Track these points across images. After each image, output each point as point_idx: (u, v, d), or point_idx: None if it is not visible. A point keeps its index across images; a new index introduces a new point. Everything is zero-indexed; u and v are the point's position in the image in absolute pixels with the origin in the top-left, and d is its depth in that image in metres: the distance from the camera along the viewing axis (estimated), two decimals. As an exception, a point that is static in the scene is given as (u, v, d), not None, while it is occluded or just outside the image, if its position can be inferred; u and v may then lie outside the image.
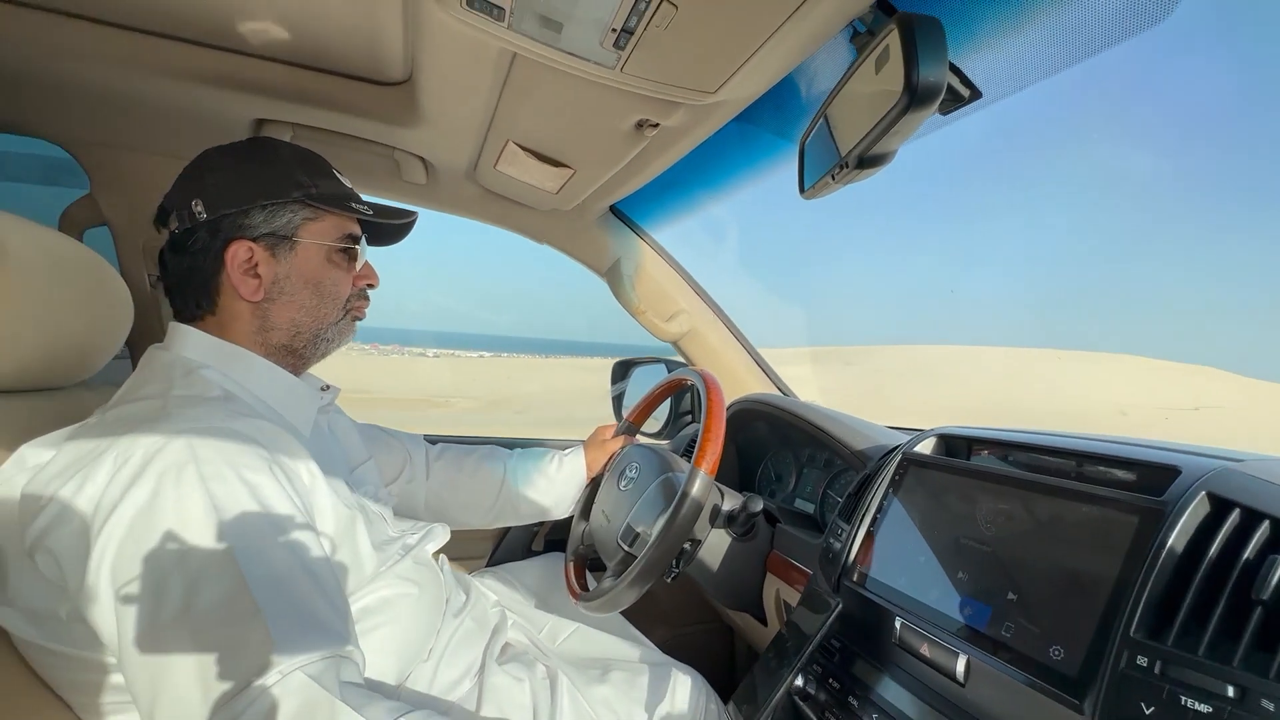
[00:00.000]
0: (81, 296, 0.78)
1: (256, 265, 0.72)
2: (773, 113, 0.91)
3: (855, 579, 0.76)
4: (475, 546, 1.39)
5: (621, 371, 1.59)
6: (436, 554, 0.94)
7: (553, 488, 1.13)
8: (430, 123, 0.96)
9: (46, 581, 0.56)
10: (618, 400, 1.56)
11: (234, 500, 0.57)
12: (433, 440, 1.17)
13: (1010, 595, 0.59)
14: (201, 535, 0.54)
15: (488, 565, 1.38)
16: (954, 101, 0.56)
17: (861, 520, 0.80)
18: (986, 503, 0.67)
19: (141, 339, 0.99)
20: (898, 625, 0.68)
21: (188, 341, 0.72)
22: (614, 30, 0.59)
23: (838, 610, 0.73)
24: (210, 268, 0.72)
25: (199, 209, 0.71)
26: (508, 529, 1.42)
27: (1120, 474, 0.60)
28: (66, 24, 0.81)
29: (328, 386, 0.87)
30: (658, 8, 0.54)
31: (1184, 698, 0.43)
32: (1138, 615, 0.48)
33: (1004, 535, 0.64)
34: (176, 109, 0.97)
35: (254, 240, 0.72)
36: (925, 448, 0.81)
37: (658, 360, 1.57)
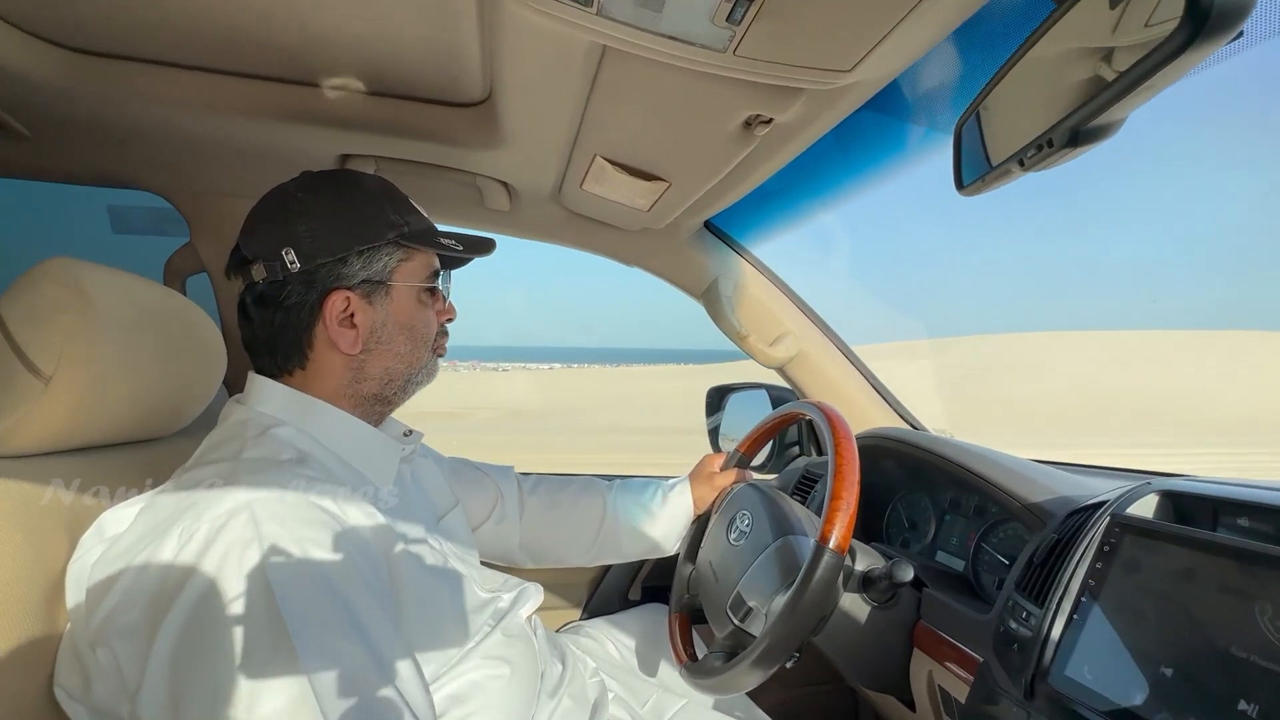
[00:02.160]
0: (172, 345, 0.75)
1: (353, 315, 0.67)
2: (904, 96, 0.76)
3: (1061, 687, 0.58)
4: (566, 597, 1.29)
5: (717, 399, 1.45)
6: (530, 617, 0.85)
7: (657, 524, 1.02)
8: (512, 142, 0.88)
9: (108, 676, 0.51)
10: (714, 432, 1.43)
11: (299, 586, 0.50)
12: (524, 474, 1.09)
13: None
14: (264, 629, 0.48)
15: (582, 618, 1.27)
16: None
17: (1059, 603, 0.62)
18: (1273, 599, 0.48)
19: (239, 382, 0.98)
20: (1142, 767, 0.49)
21: (264, 395, 0.68)
22: (728, 0, 0.47)
23: (1045, 734, 0.55)
24: (305, 321, 0.66)
25: (290, 258, 0.65)
26: (605, 573, 1.31)
27: None
28: (155, 72, 0.80)
29: (410, 432, 0.80)
30: (791, -42, 0.42)
31: None
32: None
33: (1312, 651, 0.44)
34: (264, 150, 0.96)
35: (351, 289, 0.67)
36: (1144, 509, 0.62)
37: (758, 386, 1.42)
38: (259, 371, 0.70)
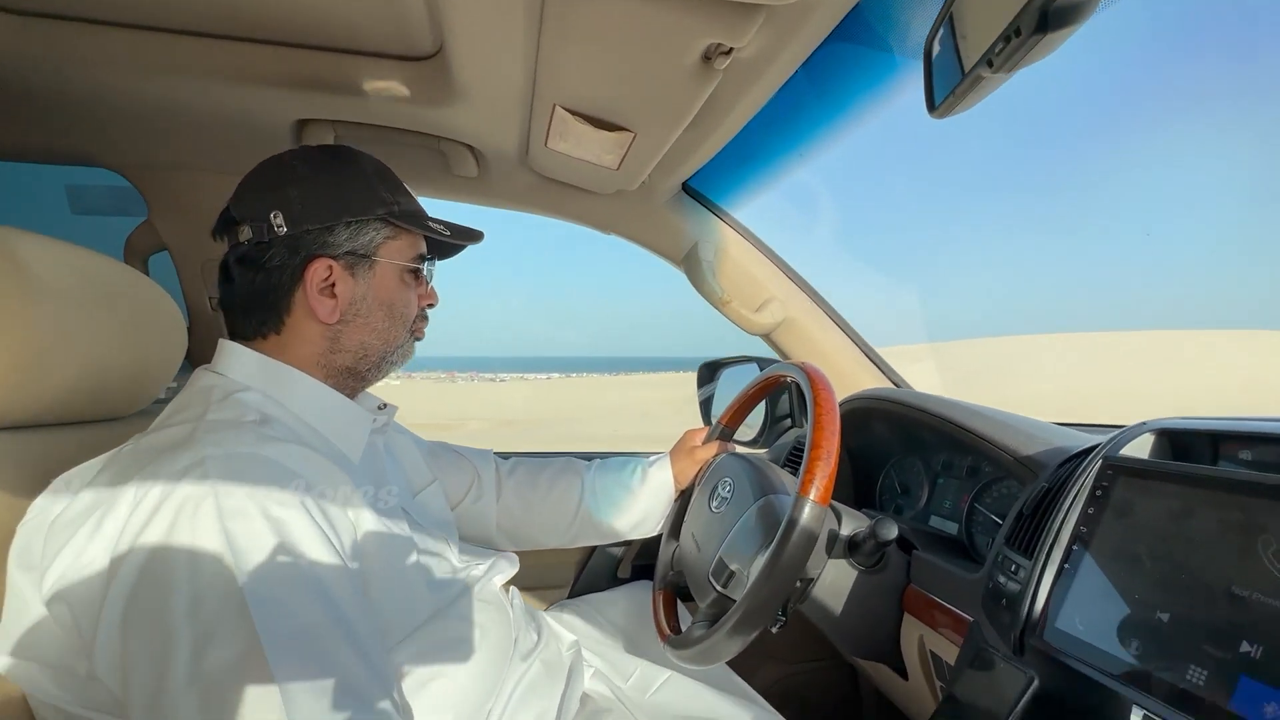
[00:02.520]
0: (126, 322, 0.72)
1: (334, 285, 0.67)
2: (871, 23, 0.72)
3: (1052, 640, 0.54)
4: (554, 575, 1.25)
5: (708, 373, 1.41)
6: (506, 586, 0.82)
7: (636, 503, 0.99)
8: (469, 97, 0.85)
9: (64, 633, 0.50)
10: (705, 405, 1.38)
11: (254, 540, 0.50)
12: (503, 456, 1.06)
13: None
14: (215, 583, 0.47)
15: (570, 596, 1.24)
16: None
17: (1049, 553, 0.58)
18: (1276, 533, 0.43)
19: (201, 362, 0.95)
20: (1138, 718, 0.45)
21: (234, 361, 0.66)
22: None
23: (1033, 689, 0.51)
24: (285, 285, 0.66)
25: (278, 221, 0.65)
26: (591, 553, 1.28)
27: None
28: (99, 32, 0.78)
29: (384, 405, 0.79)
30: None
31: None
32: None
33: (1321, 585, 0.40)
34: (218, 117, 0.93)
35: (335, 258, 0.66)
36: (1139, 449, 0.58)
37: (749, 359, 1.37)
38: (232, 336, 0.69)
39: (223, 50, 0.81)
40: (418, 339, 0.77)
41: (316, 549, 0.53)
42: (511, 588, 0.86)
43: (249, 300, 0.67)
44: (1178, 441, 0.57)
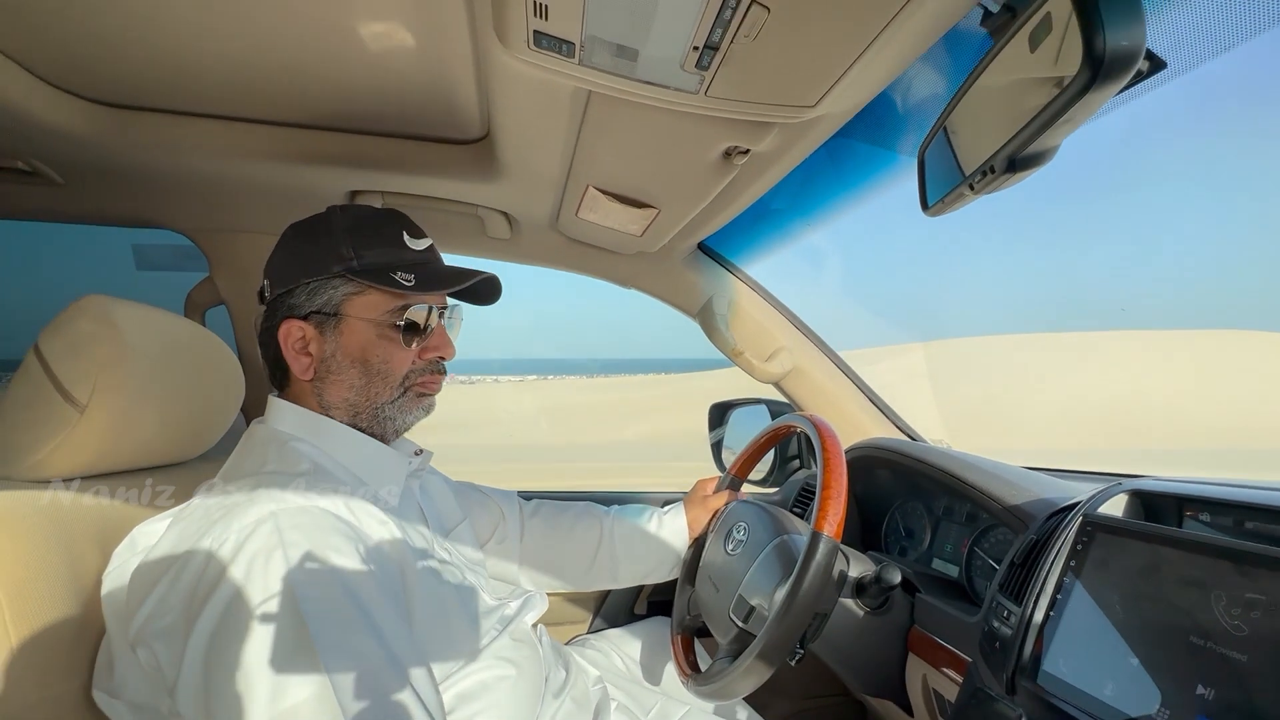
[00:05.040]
0: (194, 374, 0.80)
1: (308, 344, 0.72)
2: (876, 123, 0.81)
3: (1042, 682, 0.61)
4: (574, 611, 1.31)
5: (719, 415, 1.48)
6: (535, 624, 0.88)
7: (652, 550, 1.05)
8: (510, 175, 0.94)
9: (148, 674, 0.55)
10: (716, 447, 1.46)
11: (319, 589, 0.55)
12: (526, 496, 1.12)
13: (1289, 727, 0.43)
14: (288, 630, 0.52)
15: (589, 631, 1.30)
16: (1135, 75, 0.44)
17: (1037, 600, 0.64)
18: (1226, 589, 0.50)
19: (255, 411, 1.03)
20: (1112, 754, 0.52)
21: (281, 414, 0.73)
22: (696, 49, 0.52)
23: (1021, 726, 0.57)
24: (274, 346, 0.73)
25: (265, 288, 0.74)
26: (608, 591, 1.34)
27: None
28: (179, 122, 0.87)
29: (420, 451, 0.84)
30: (747, 11, 0.47)
31: None
32: None
33: (1262, 637, 0.47)
34: (278, 188, 1.02)
35: (304, 319, 0.71)
36: (1114, 508, 0.65)
37: (758, 401, 1.45)
38: (271, 384, 0.77)
39: (287, 136, 0.90)
40: (423, 394, 0.76)
41: (374, 595, 0.58)
42: (539, 625, 0.92)
43: (265, 360, 0.76)
44: (1148, 502, 0.64)
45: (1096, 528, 0.63)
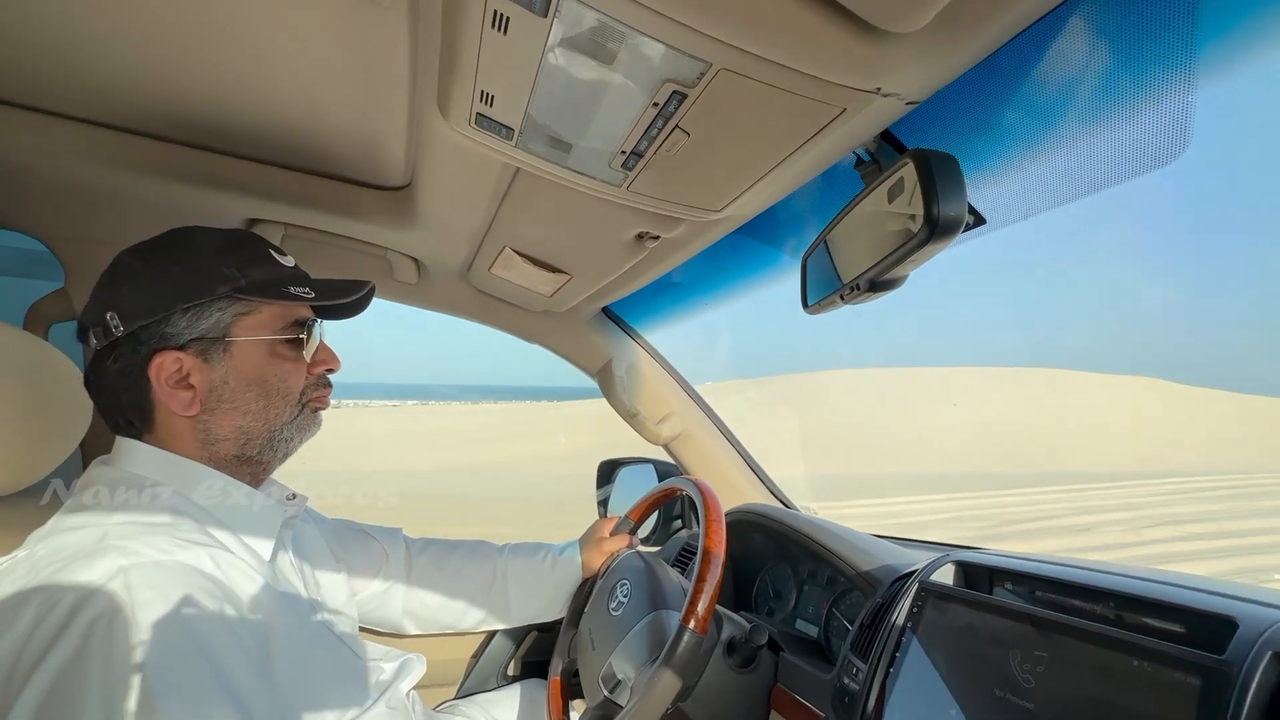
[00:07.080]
0: (18, 393, 0.71)
1: (188, 376, 0.65)
2: (771, 226, 0.93)
3: (879, 733, 0.68)
4: (444, 671, 1.25)
5: (607, 472, 1.52)
6: (408, 692, 0.84)
7: (545, 589, 1.04)
8: (427, 227, 0.95)
9: None
10: (603, 505, 1.49)
11: (174, 658, 0.50)
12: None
13: (1062, 765, 0.53)
14: (133, 704, 0.47)
15: (458, 695, 1.24)
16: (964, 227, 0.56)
17: (880, 658, 0.73)
18: (1021, 647, 0.61)
19: (98, 442, 0.92)
20: (934, 796, 0.59)
21: (134, 456, 0.66)
22: (624, 153, 0.59)
23: (863, 775, 0.64)
24: (137, 385, 0.65)
25: (114, 322, 0.63)
26: (483, 648, 1.29)
27: (1167, 625, 0.55)
28: (59, 124, 0.80)
29: (294, 496, 0.79)
30: (670, 134, 0.54)
31: None
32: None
33: (1045, 689, 0.57)
34: (166, 207, 0.95)
35: (180, 349, 0.64)
36: (944, 576, 0.76)
37: (645, 460, 1.51)
38: (117, 434, 0.68)
39: (184, 155, 0.84)
40: (318, 409, 0.75)
41: (235, 660, 0.54)
42: (413, 693, 0.87)
43: (112, 404, 0.66)
44: (969, 571, 0.76)
45: (929, 593, 0.74)
